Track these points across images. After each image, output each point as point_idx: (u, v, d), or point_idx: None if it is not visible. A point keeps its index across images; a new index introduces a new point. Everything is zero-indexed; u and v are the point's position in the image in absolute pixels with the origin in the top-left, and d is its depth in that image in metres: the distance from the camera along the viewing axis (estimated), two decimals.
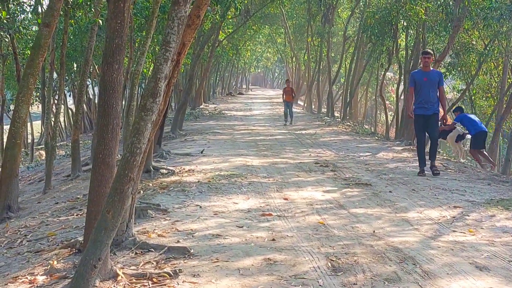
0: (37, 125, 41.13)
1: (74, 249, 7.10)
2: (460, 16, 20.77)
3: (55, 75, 21.10)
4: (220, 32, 33.23)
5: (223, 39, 38.66)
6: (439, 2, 22.37)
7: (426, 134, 13.76)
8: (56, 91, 26.81)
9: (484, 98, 30.06)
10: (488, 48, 24.85)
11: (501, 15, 18.95)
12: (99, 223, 5.54)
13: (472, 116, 19.46)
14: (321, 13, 35.04)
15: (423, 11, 22.72)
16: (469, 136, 19.18)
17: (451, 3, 21.67)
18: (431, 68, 13.42)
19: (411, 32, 27.44)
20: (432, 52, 14.51)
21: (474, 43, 25.74)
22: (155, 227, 8.26)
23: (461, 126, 19.47)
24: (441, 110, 13.60)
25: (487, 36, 25.29)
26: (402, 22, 25.30)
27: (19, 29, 17.28)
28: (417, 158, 14.04)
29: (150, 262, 6.65)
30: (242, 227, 8.35)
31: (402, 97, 27.69)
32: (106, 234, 5.49)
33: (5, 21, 15.84)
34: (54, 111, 19.36)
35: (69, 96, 39.34)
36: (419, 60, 26.20)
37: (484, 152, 19.26)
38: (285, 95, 29.80)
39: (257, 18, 40.85)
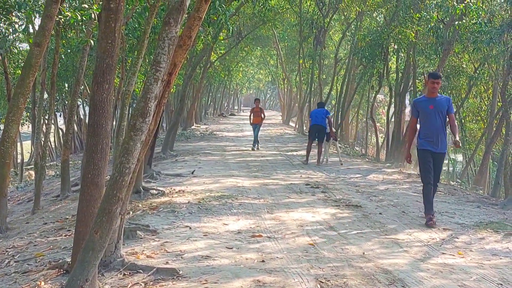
0: (27, 145, 40.95)
1: (61, 270, 7.04)
2: (450, 39, 20.92)
3: (45, 94, 21.08)
4: (212, 53, 33.33)
5: (215, 60, 38.77)
6: (429, 26, 22.50)
7: None
8: (46, 111, 26.77)
9: (474, 121, 30.21)
10: (478, 72, 25.01)
11: (490, 39, 19.06)
12: (86, 244, 5.50)
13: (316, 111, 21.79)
14: (312, 35, 35.18)
15: (413, 34, 22.88)
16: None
17: (441, 27, 21.81)
18: (438, 95, 10.81)
19: (402, 55, 27.60)
20: (442, 76, 11.86)
21: (464, 66, 25.92)
22: (144, 248, 8.22)
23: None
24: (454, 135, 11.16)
25: (477, 59, 25.46)
26: (392, 45, 25.46)
27: (10, 48, 17.24)
28: (408, 180, 14.03)
29: (138, 283, 6.60)
30: (232, 248, 8.31)
31: (393, 119, 27.80)
32: (93, 254, 5.45)
33: None
34: (44, 131, 19.32)
35: (60, 116, 39.24)
36: (410, 83, 26.45)
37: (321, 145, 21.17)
38: (253, 116, 25.85)
39: (249, 39, 41.00)
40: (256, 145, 26.60)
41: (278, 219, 10.61)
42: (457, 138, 10.68)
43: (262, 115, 26.14)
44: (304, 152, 24.74)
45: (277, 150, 26.19)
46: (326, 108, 23.79)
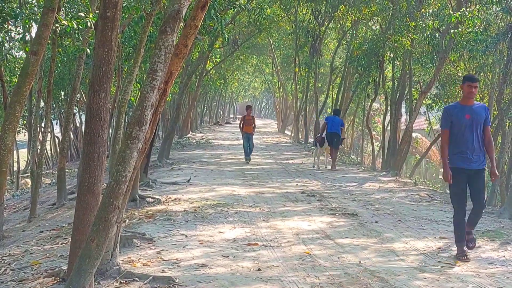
0: (23, 153, 40.88)
1: (58, 278, 7.02)
2: (446, 48, 20.97)
3: (42, 103, 21.07)
4: (208, 61, 33.36)
5: (211, 69, 38.82)
6: (425, 34, 22.55)
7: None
8: (42, 119, 26.74)
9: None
10: None
11: (486, 48, 19.11)
12: (83, 252, 5.49)
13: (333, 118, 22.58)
14: (308, 44, 35.22)
15: (409, 43, 22.91)
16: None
17: (437, 35, 21.86)
18: (475, 102, 9.00)
19: (398, 63, 27.65)
20: (479, 79, 9.33)
21: (460, 75, 25.93)
22: (140, 256, 8.21)
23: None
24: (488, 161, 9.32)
25: (472, 68, 25.47)
26: (388, 54, 25.49)
27: (6, 56, 17.24)
28: (404, 189, 13.98)
29: None
30: (228, 256, 8.31)
31: (389, 128, 27.81)
32: (90, 263, 5.44)
33: None
34: (41, 139, 19.30)
35: (56, 124, 39.22)
36: (405, 91, 26.50)
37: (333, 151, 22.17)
38: (244, 125, 23.38)
39: (245, 48, 41.07)
40: (249, 156, 23.85)
41: (274, 227, 10.61)
42: (495, 169, 8.96)
43: (254, 125, 23.58)
44: (299, 161, 24.74)
45: (272, 159, 26.19)
46: (324, 116, 24.40)
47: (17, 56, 27.44)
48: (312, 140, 31.07)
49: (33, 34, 16.58)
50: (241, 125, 23.63)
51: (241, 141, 23.88)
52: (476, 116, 8.75)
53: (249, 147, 23.55)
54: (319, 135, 22.77)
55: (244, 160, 23.90)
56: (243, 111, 25.38)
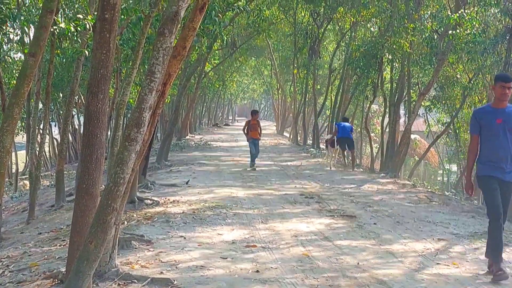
0: (21, 154, 40.85)
1: (56, 280, 7.03)
2: (444, 50, 20.99)
3: (40, 104, 21.06)
4: (207, 63, 33.34)
5: (210, 71, 38.79)
6: (423, 36, 22.56)
7: None
8: (41, 120, 26.73)
9: (468, 131, 30.24)
10: (472, 82, 25.08)
11: (484, 49, 19.15)
12: (81, 254, 5.49)
13: (343, 124, 23.88)
14: (307, 46, 35.18)
15: (407, 45, 22.92)
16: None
17: (435, 37, 21.88)
18: (508, 104, 7.97)
19: (396, 65, 27.62)
20: None
21: (459, 76, 25.99)
22: (139, 258, 8.21)
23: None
24: None
25: (471, 69, 25.51)
26: (387, 55, 25.47)
27: (4, 58, 17.24)
28: (402, 190, 13.93)
29: None
30: (226, 258, 8.31)
31: (387, 130, 27.81)
32: (88, 265, 5.44)
33: None
34: (39, 141, 19.26)
35: (54, 126, 39.20)
36: (404, 93, 26.51)
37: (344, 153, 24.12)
38: (250, 130, 22.14)
39: (244, 50, 41.02)
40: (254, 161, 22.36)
41: (272, 229, 10.62)
42: None
43: (259, 130, 22.39)
44: (298, 162, 24.74)
45: (271, 161, 26.17)
46: (322, 118, 25.06)
47: (16, 58, 27.42)
48: (311, 142, 30.95)
49: (31, 36, 16.60)
50: (246, 130, 22.29)
51: (240, 143, 23.78)
52: (510, 120, 7.79)
53: (255, 153, 22.24)
54: (328, 137, 25.07)
55: (249, 167, 22.12)
56: (242, 113, 25.41)
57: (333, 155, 24.33)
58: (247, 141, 22.47)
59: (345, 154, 24.42)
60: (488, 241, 7.78)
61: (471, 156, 8.12)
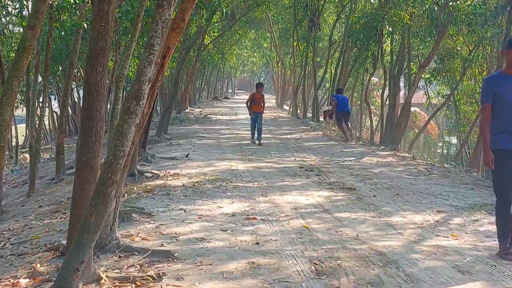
0: (21, 128, 40.79)
1: (57, 252, 7.06)
2: (445, 22, 20.90)
3: (39, 78, 21.01)
4: (206, 36, 33.20)
5: (209, 43, 38.62)
6: (424, 8, 22.46)
7: None
8: (40, 94, 26.69)
9: (468, 104, 30.24)
10: (472, 54, 25.02)
11: (485, 21, 19.08)
12: (82, 226, 5.51)
13: (342, 97, 25.16)
14: (307, 18, 35.00)
15: (408, 17, 22.82)
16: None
17: (436, 9, 21.78)
18: None
19: (396, 37, 27.53)
20: None
21: (459, 48, 25.92)
22: (139, 230, 8.25)
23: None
24: None
25: (471, 41, 25.45)
26: (387, 28, 25.39)
27: (3, 31, 17.17)
28: (402, 163, 13.93)
29: (133, 265, 6.63)
30: (226, 230, 8.35)
31: (387, 102, 27.79)
32: (89, 237, 5.47)
33: None
34: (39, 114, 19.24)
35: (54, 99, 39.09)
36: (404, 65, 26.43)
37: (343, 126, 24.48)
38: (253, 103, 21.52)
39: (243, 22, 40.82)
40: (259, 136, 21.61)
41: (272, 202, 10.66)
42: None
43: (263, 104, 21.77)
44: (297, 135, 24.76)
45: (271, 134, 26.16)
46: (322, 91, 25.57)
47: (14, 31, 27.28)
48: (311, 115, 30.80)
49: (30, 9, 16.52)
50: (249, 103, 21.71)
51: (240, 117, 23.68)
52: None
53: (256, 127, 21.56)
54: (326, 109, 26.35)
55: (250, 141, 21.81)
56: (241, 86, 25.35)
57: (328, 126, 25.24)
58: (249, 115, 21.91)
59: (345, 128, 24.58)
60: (496, 221, 7.50)
61: (485, 127, 7.38)
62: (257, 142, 21.47)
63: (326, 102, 40.98)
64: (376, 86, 48.54)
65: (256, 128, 21.61)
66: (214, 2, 16.71)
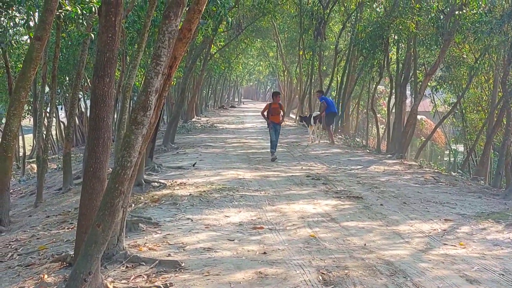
0: (28, 138, 40.97)
1: (64, 263, 7.06)
2: (450, 30, 20.87)
3: (47, 88, 21.07)
4: (212, 45, 33.25)
5: (215, 53, 38.67)
6: (429, 16, 22.43)
7: None
8: (47, 104, 26.76)
9: (474, 112, 30.15)
10: (478, 62, 24.95)
11: (491, 29, 19.01)
12: (89, 237, 5.52)
13: (330, 99, 26.21)
14: (312, 27, 35.01)
15: (413, 25, 22.81)
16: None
17: (441, 17, 21.76)
18: None
19: (402, 45, 27.51)
20: None
21: (465, 56, 25.85)
22: (146, 240, 8.24)
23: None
24: None
25: (477, 49, 25.38)
26: (393, 36, 25.37)
27: (11, 42, 17.23)
28: (409, 171, 13.91)
29: (141, 275, 6.63)
30: (233, 240, 8.34)
31: (394, 110, 27.76)
32: (96, 247, 5.47)
33: None
34: (46, 124, 19.30)
35: (61, 109, 39.19)
36: (410, 74, 26.43)
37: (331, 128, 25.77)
38: (271, 113, 19.70)
39: (249, 31, 40.88)
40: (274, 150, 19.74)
41: (279, 211, 10.64)
42: None
43: (282, 114, 20.20)
44: (304, 144, 24.73)
45: (277, 142, 26.12)
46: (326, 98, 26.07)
47: (22, 41, 27.39)
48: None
49: (37, 20, 16.58)
50: (265, 113, 19.88)
51: (246, 125, 23.34)
52: None
53: (275, 140, 19.73)
54: (309, 114, 27.11)
55: (270, 155, 19.63)
56: (248, 94, 25.18)
57: (318, 131, 26.09)
58: (267, 126, 20.02)
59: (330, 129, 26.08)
60: None
61: None
62: (273, 156, 19.50)
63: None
64: (382, 94, 48.53)
65: (276, 139, 19.78)
66: (220, 12, 16.71)
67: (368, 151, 25.13)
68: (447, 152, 44.60)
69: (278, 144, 19.75)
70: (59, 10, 13.37)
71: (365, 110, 41.84)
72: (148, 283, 6.31)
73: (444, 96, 33.85)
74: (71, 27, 18.67)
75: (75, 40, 22.89)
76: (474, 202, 12.03)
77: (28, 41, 24.14)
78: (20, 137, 35.17)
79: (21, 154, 33.25)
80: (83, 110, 40.18)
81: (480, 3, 19.23)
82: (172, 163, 17.71)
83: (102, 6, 6.31)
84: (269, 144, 20.09)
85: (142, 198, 11.74)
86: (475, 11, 19.80)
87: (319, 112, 25.91)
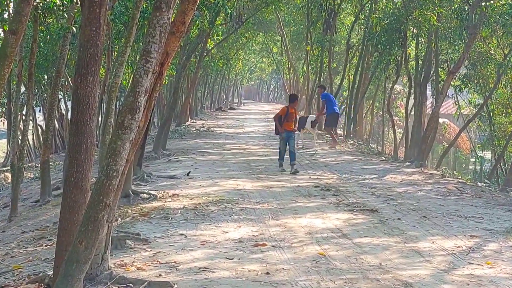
0: (2, 144, 41.08)
1: (42, 284, 7.06)
2: (476, 22, 20.88)
3: (22, 88, 21.09)
4: (209, 40, 33.29)
5: (212, 48, 38.72)
6: (453, 8, 22.46)
7: None
8: (23, 105, 26.81)
9: (503, 114, 30.11)
10: (508, 58, 24.97)
11: None
12: (70, 255, 5.52)
13: (333, 97, 26.43)
14: (321, 19, 35.04)
15: (435, 17, 22.82)
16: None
17: (466, 9, 21.77)
18: None
19: (422, 40, 27.53)
20: None
21: (493, 52, 25.86)
22: (134, 259, 8.24)
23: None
24: None
25: (506, 44, 25.40)
26: (411, 29, 25.40)
27: None
28: (430, 181, 13.90)
29: None
30: (232, 259, 8.34)
31: (412, 113, 27.78)
32: (78, 267, 5.47)
33: None
34: (22, 128, 19.35)
35: (39, 111, 39.25)
36: (431, 72, 26.44)
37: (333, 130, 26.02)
38: (286, 119, 18.61)
39: (250, 24, 40.87)
40: (292, 162, 18.36)
41: (284, 225, 10.64)
42: None
43: (296, 119, 19.62)
44: (312, 151, 24.74)
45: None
46: (339, 100, 26.20)
47: None
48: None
49: (12, 11, 16.60)
50: (279, 119, 18.83)
51: (247, 129, 23.20)
52: None
53: (289, 150, 18.58)
54: (313, 116, 26.43)
55: (278, 168, 18.74)
56: (249, 95, 25.08)
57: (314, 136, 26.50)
58: (279, 133, 18.95)
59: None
60: None
61: None
62: (288, 169, 18.42)
63: (344, 113, 40.88)
64: (400, 94, 48.53)
65: (288, 151, 18.63)
66: (218, 2, 16.76)
67: (384, 158, 25.15)
68: (472, 159, 44.54)
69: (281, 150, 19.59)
70: (37, 0, 13.39)
71: (381, 113, 41.83)
72: None
73: (469, 97, 33.84)
74: (50, 19, 18.69)
75: (55, 34, 22.91)
76: (503, 216, 12.02)
77: (2, 35, 24.18)
78: None
79: None
80: (63, 112, 40.18)
81: None
82: (164, 172, 17.72)
83: None
84: (279, 155, 19.06)
85: (129, 211, 11.73)
86: (503, 2, 19.83)
87: (315, 116, 26.33)
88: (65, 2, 14.40)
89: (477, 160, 39.35)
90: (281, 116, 18.80)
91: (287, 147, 18.68)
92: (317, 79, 38.64)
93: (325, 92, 26.22)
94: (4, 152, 39.85)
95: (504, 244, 9.59)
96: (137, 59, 6.01)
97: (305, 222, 10.92)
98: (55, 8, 14.80)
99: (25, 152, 21.32)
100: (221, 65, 47.01)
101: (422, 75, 26.93)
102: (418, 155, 23.23)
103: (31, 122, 30.66)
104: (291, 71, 57.62)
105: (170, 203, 12.60)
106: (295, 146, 19.27)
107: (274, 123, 19.28)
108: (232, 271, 7.72)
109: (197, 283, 7.18)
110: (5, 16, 18.32)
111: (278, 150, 19.17)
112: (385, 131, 42.06)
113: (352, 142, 30.14)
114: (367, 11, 33.53)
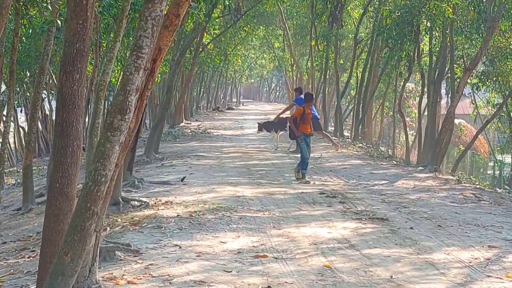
0: None
1: None
2: (495, 15, 20.88)
3: (3, 86, 21.10)
4: (205, 34, 33.32)
5: (209, 43, 38.76)
6: None
7: None
8: (4, 105, 26.78)
9: None
10: None
11: None
12: (55, 268, 5.52)
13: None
14: (327, 11, 35.07)
15: (450, 10, 22.82)
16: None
17: (484, 0, 21.79)
18: None
19: (436, 34, 27.54)
20: None
21: None
22: (125, 271, 8.24)
23: None
24: None
25: None
26: (425, 23, 25.41)
27: None
28: (445, 187, 13.89)
29: None
30: (230, 271, 8.34)
31: (426, 113, 27.77)
32: (63, 281, 5.47)
33: None
34: (2, 130, 19.36)
35: (21, 112, 39.26)
36: (446, 68, 26.44)
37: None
38: (302, 121, 17.86)
39: (250, 17, 40.89)
40: (303, 167, 17.78)
41: (286, 235, 10.64)
42: None
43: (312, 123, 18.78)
44: (317, 154, 24.75)
45: (284, 152, 26.16)
46: (346, 99, 26.09)
47: None
48: (333, 128, 30.77)
49: None
50: (296, 121, 18.15)
51: (246, 131, 23.21)
52: None
53: (305, 158, 17.69)
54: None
55: (300, 175, 17.80)
56: (248, 94, 25.09)
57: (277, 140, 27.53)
58: (296, 137, 18.45)
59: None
60: None
61: None
62: (300, 175, 17.76)
63: (352, 113, 40.87)
64: (412, 93, 48.54)
65: (306, 157, 17.74)
66: None
67: (395, 162, 25.17)
68: (491, 164, 44.53)
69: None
70: None
71: (391, 113, 41.87)
72: None
73: (487, 96, 33.86)
74: (33, 12, 18.69)
75: (38, 27, 22.93)
76: None
77: None
78: None
79: None
80: (47, 113, 40.18)
81: None
82: (156, 178, 17.74)
83: None
84: (302, 164, 17.87)
85: (119, 220, 11.74)
86: None
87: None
88: None
89: (496, 164, 39.33)
90: (296, 118, 18.27)
91: (307, 153, 17.78)
92: (322, 77, 38.68)
93: (301, 96, 25.06)
94: None
95: None
96: (127, 55, 6.01)
97: (309, 232, 10.93)
98: None
99: (6, 156, 21.30)
100: (218, 61, 47.00)
101: (436, 72, 26.93)
102: (432, 159, 23.23)
103: (12, 123, 30.68)
104: (294, 68, 57.63)
105: (163, 211, 12.61)
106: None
107: None
108: (230, 284, 7.73)
109: None
110: None
111: (300, 157, 18.00)
112: (396, 133, 42.08)
113: (360, 145, 30.13)
114: (377, 2, 33.56)
